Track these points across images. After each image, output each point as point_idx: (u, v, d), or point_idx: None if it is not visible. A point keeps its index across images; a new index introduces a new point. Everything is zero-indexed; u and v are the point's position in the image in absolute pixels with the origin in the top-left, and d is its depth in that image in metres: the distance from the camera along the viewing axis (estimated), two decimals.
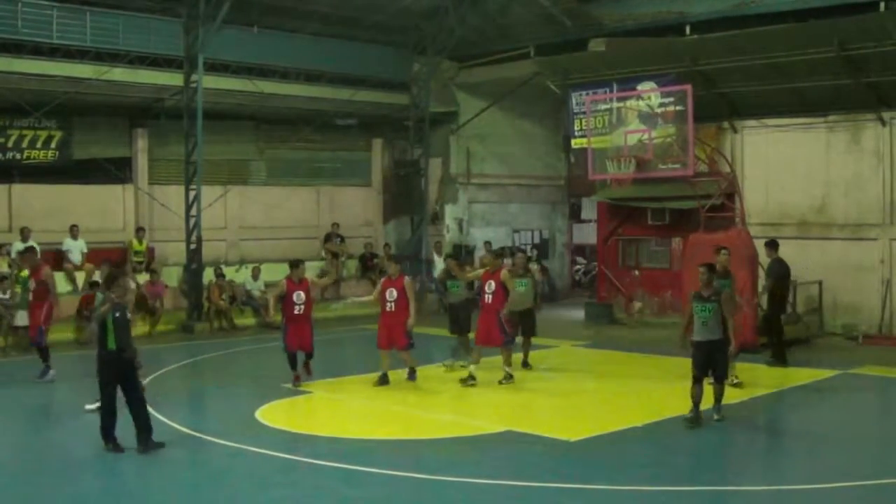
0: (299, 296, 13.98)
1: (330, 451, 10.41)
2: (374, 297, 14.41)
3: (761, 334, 16.60)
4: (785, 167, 20.05)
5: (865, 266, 19.08)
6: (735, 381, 13.51)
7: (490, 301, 14.33)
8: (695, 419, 11.43)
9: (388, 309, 14.00)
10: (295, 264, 14.40)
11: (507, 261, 16.92)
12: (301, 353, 14.14)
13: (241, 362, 17.64)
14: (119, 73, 20.14)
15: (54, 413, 13.22)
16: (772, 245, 16.36)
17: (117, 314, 10.34)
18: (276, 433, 11.39)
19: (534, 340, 16.08)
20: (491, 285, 14.36)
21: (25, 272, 15.54)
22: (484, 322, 14.39)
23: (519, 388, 14.33)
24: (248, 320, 21.98)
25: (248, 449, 10.54)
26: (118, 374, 10.36)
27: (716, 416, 11.66)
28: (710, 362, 11.56)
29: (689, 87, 18.24)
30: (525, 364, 15.78)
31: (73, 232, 20.73)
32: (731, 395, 13.05)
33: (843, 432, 11.57)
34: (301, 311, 13.96)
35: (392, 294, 13.98)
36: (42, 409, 13.32)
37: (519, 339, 15.87)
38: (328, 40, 23.08)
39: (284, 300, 14.05)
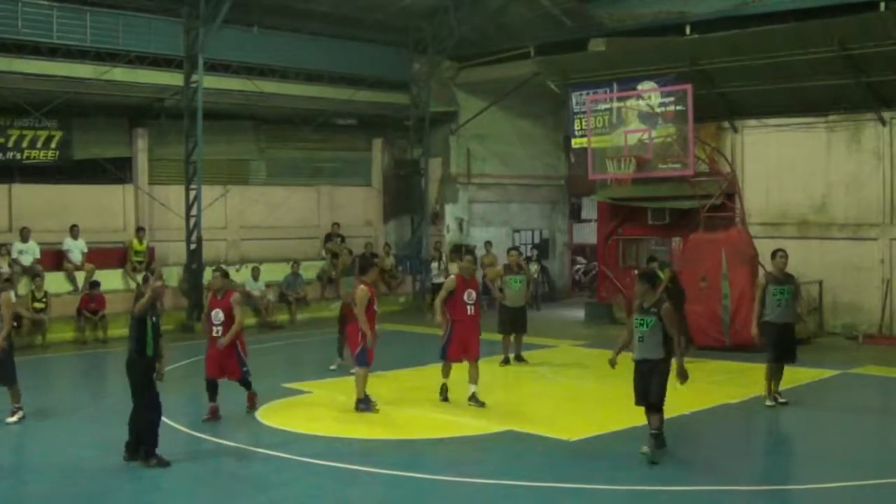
0: (217, 314, 11.73)
1: (330, 451, 10.41)
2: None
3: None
4: (785, 167, 20.04)
5: (865, 266, 19.07)
6: (781, 400, 12.58)
7: (473, 313, 12.65)
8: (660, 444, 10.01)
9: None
10: (216, 274, 12.12)
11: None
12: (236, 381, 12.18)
13: None
14: (119, 73, 20.15)
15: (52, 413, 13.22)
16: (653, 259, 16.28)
17: (155, 318, 10.05)
18: (276, 433, 11.39)
19: (534, 340, 16.09)
20: (471, 295, 12.64)
21: None
22: (468, 335, 12.64)
23: (519, 388, 14.34)
24: (247, 320, 21.88)
25: (248, 449, 10.55)
26: (151, 381, 10.01)
27: (643, 449, 9.88)
28: (646, 387, 9.82)
29: (689, 87, 18.25)
30: (518, 358, 15.94)
31: (74, 232, 20.71)
32: (732, 395, 13.09)
33: (844, 432, 11.57)
34: (219, 334, 11.73)
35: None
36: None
37: (512, 338, 15.95)
38: (328, 40, 23.10)
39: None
